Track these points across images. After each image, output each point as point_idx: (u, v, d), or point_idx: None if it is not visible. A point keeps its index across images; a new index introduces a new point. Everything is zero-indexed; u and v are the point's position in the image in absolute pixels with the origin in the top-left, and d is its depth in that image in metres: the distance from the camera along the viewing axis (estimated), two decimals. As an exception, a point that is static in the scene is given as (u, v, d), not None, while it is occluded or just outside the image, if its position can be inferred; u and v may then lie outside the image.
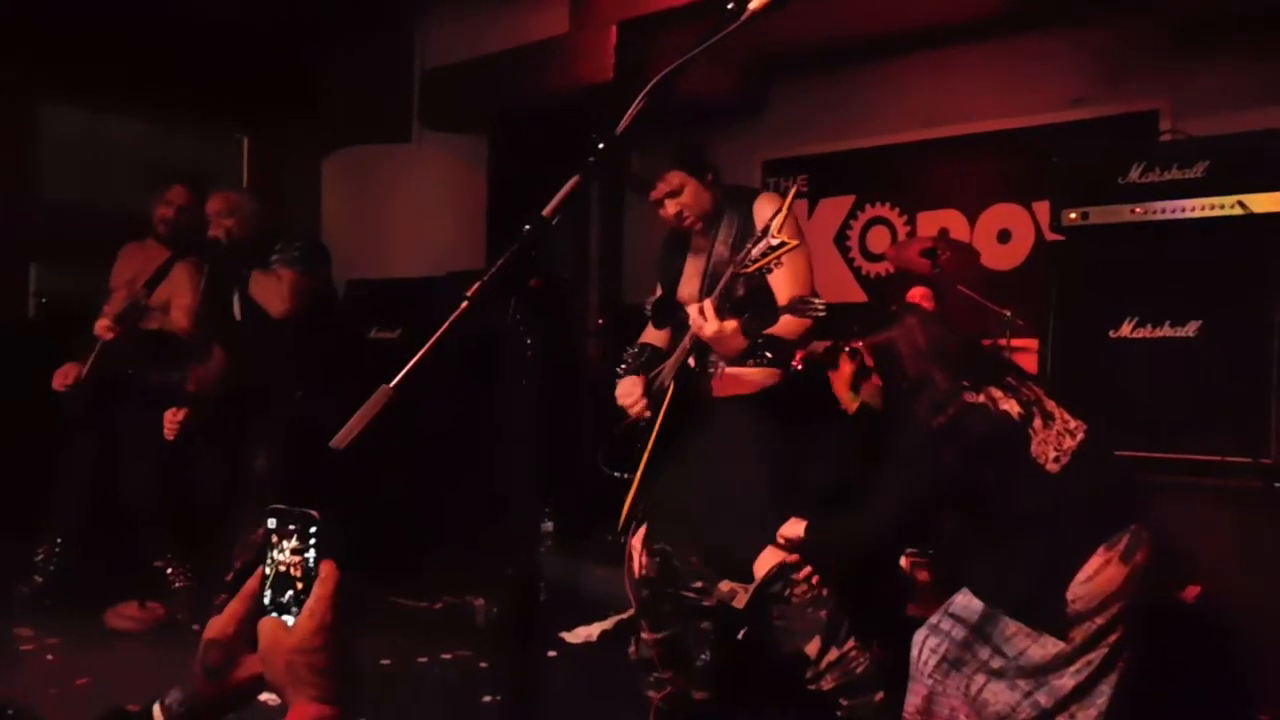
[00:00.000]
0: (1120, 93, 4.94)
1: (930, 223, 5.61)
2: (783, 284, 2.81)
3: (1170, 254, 3.06)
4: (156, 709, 1.08)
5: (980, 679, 2.34)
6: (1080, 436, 2.39)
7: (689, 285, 3.00)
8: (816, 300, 2.79)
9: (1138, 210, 3.12)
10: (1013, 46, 5.23)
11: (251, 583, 1.07)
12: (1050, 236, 3.75)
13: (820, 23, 5.10)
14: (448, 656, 3.82)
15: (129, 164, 6.10)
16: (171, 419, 4.07)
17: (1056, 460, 2.35)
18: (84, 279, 5.14)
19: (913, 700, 2.42)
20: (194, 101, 5.97)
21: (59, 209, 5.74)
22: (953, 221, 5.55)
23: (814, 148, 6.06)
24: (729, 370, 2.83)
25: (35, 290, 5.67)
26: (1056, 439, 2.37)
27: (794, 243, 2.44)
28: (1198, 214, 3.01)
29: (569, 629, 4.13)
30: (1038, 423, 2.38)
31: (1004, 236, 5.42)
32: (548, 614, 4.16)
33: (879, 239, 5.82)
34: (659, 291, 3.18)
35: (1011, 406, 2.39)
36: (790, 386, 2.99)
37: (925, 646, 2.41)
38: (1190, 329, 2.95)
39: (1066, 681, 2.27)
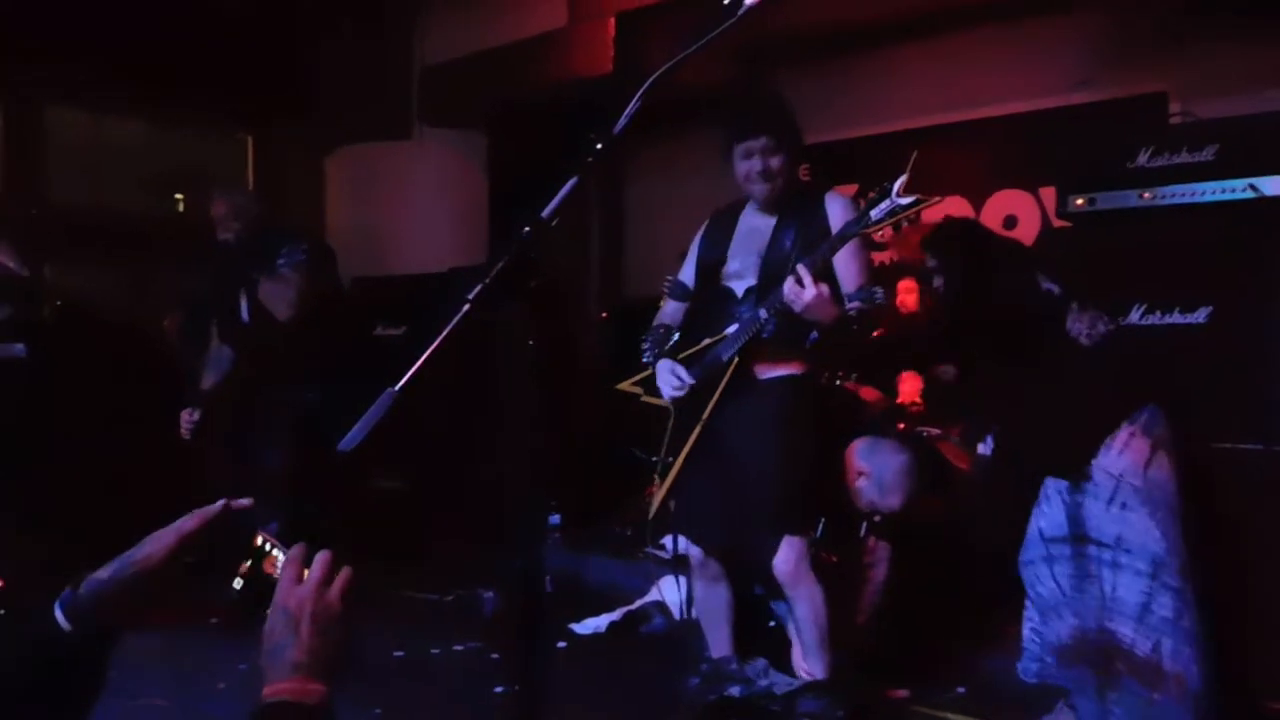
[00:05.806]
0: (1127, 75, 4.90)
1: (935, 210, 5.56)
2: (851, 271, 2.81)
3: (1179, 239, 3.02)
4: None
5: (1107, 576, 2.47)
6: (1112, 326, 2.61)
7: (738, 264, 2.98)
8: (878, 291, 2.77)
9: (1146, 195, 3.09)
10: (1017, 30, 5.19)
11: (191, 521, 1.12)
12: (1056, 223, 3.73)
13: (821, 9, 5.08)
14: (459, 648, 3.84)
15: (135, 166, 6.11)
16: (186, 419, 4.09)
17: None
18: (95, 280, 5.15)
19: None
20: (197, 102, 5.97)
21: (67, 212, 5.75)
22: (958, 208, 5.53)
23: (816, 136, 6.00)
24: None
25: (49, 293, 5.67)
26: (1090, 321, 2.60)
27: (933, 199, 2.42)
28: (1208, 198, 2.97)
29: (578, 621, 4.14)
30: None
31: (1010, 223, 5.39)
32: (556, 606, 4.17)
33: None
34: (686, 268, 3.16)
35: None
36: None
37: (1056, 574, 2.53)
38: (1200, 315, 2.92)
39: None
